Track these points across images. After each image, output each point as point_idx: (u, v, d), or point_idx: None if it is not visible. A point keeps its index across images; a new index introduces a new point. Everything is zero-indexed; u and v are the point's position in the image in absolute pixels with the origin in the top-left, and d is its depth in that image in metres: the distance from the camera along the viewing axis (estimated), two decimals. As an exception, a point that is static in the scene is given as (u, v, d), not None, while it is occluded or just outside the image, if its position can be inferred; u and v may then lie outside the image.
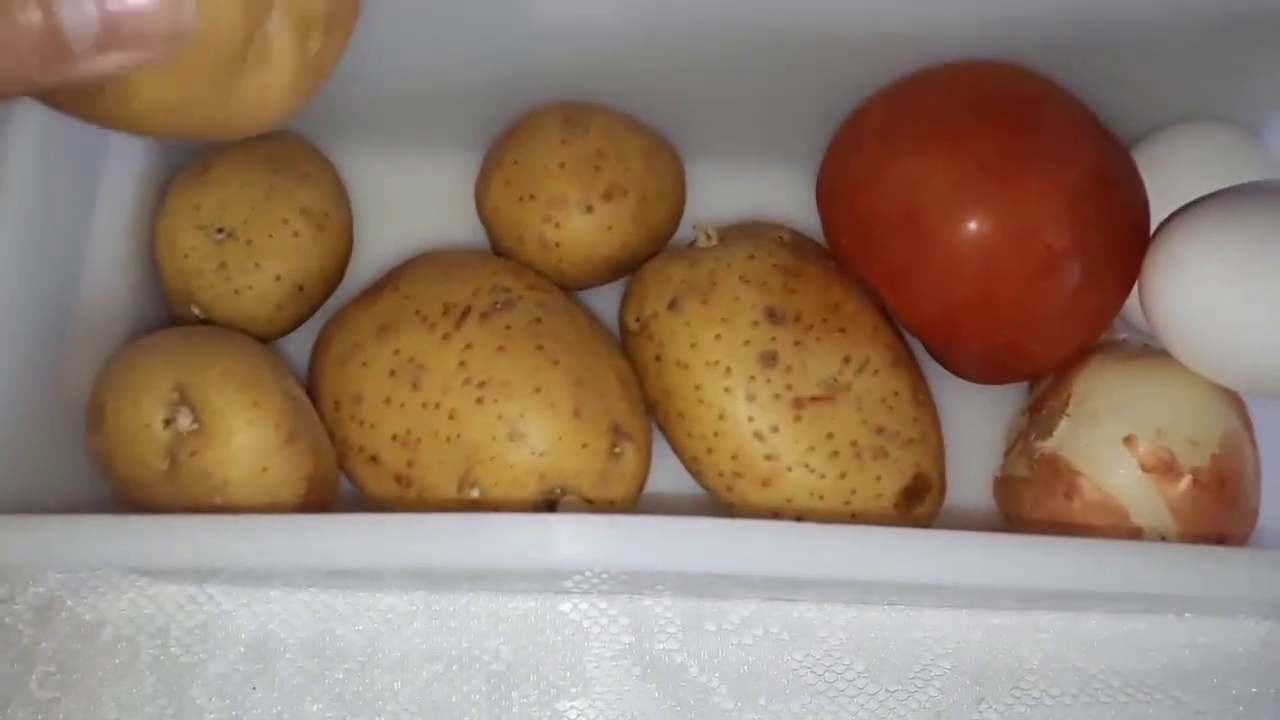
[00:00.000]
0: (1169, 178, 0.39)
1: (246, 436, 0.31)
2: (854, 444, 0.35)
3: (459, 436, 0.34)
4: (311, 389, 0.37)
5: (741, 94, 0.41)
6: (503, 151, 0.40)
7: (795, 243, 0.39)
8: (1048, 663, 0.39)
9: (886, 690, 0.39)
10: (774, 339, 0.35)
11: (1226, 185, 0.37)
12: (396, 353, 0.35)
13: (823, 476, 0.35)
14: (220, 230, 0.37)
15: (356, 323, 0.36)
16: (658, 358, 0.37)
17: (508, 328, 0.35)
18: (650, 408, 0.38)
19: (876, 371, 0.36)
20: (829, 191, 0.38)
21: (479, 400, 0.34)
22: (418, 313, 0.35)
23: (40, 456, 0.33)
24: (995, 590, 0.33)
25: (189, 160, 0.39)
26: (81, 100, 0.23)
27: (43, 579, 0.38)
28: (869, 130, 0.37)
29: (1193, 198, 0.37)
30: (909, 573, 0.30)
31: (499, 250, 0.40)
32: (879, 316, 0.37)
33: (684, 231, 0.42)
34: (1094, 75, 0.38)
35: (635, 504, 0.36)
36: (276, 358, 0.35)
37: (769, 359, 0.35)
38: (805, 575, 0.30)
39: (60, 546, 0.29)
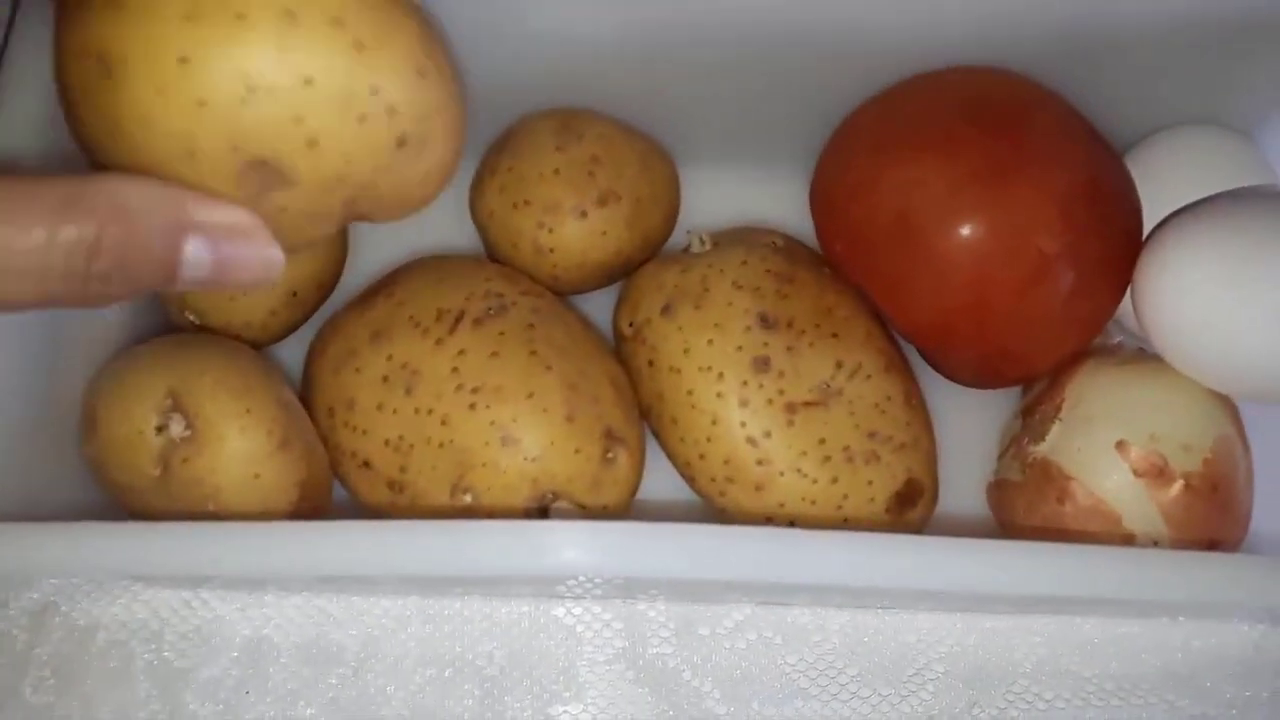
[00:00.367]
0: (1163, 182, 0.39)
1: (238, 443, 0.31)
2: (846, 449, 0.35)
3: (451, 442, 0.34)
4: (306, 395, 0.37)
5: (736, 99, 0.41)
6: (498, 158, 0.40)
7: (789, 248, 0.39)
8: (1041, 666, 0.39)
9: (880, 694, 0.39)
10: (766, 344, 0.35)
11: (1220, 189, 0.38)
12: (390, 359, 0.35)
13: (815, 481, 0.35)
14: (214, 236, 0.37)
15: (350, 329, 0.36)
16: (651, 363, 0.37)
17: (501, 333, 0.35)
18: (644, 413, 0.38)
19: (869, 376, 0.36)
20: (822, 198, 0.38)
21: (471, 406, 0.34)
22: (411, 319, 0.35)
23: (35, 464, 0.33)
24: (987, 596, 0.33)
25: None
26: None
27: (37, 584, 0.38)
28: (862, 137, 0.37)
29: (1186, 202, 0.37)
30: (898, 579, 0.30)
31: (494, 256, 0.41)
32: (872, 322, 0.37)
33: (679, 237, 0.42)
34: (1088, 80, 0.38)
35: (628, 509, 0.36)
36: (270, 364, 0.35)
37: (761, 364, 0.35)
38: (796, 581, 0.30)
39: (54, 554, 0.29)
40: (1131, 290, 0.36)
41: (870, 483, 0.35)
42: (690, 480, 0.37)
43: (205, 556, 0.29)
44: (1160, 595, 0.31)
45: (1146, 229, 0.37)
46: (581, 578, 0.32)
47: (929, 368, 0.40)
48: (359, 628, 0.38)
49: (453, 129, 0.26)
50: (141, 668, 0.37)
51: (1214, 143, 0.40)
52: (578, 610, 0.39)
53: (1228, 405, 0.36)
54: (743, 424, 0.35)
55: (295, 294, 0.38)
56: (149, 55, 0.22)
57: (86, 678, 0.37)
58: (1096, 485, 0.35)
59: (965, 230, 0.34)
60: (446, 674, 0.38)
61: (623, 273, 0.40)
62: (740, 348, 0.35)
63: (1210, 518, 0.35)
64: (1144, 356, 0.37)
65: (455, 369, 0.34)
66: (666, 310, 0.37)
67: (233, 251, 0.25)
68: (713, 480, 0.36)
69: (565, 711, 0.38)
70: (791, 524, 0.35)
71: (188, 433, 0.31)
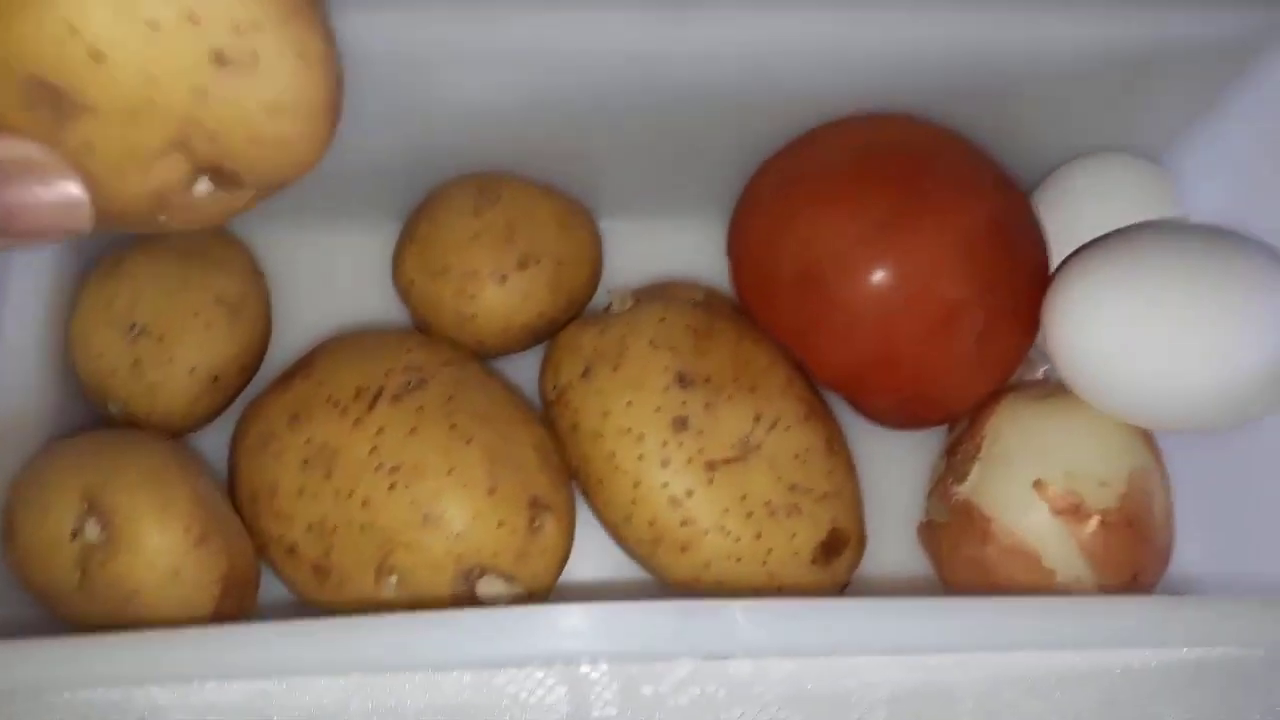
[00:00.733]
0: (1074, 213, 0.40)
1: (156, 542, 0.31)
2: (768, 503, 0.35)
3: (373, 524, 0.34)
4: (230, 482, 0.37)
5: (653, 155, 0.41)
6: (415, 225, 0.40)
7: (709, 301, 0.39)
8: (982, 703, 0.40)
9: (825, 740, 0.39)
10: (685, 403, 0.36)
11: (1130, 217, 0.38)
12: (309, 441, 0.35)
13: (738, 539, 0.35)
14: (133, 326, 0.37)
15: (270, 412, 0.36)
16: (574, 427, 0.37)
17: (420, 408, 0.35)
18: (573, 476, 0.38)
19: (788, 428, 0.36)
20: (735, 251, 0.39)
21: (391, 486, 0.34)
22: (329, 399, 0.35)
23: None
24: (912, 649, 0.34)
25: (101, 254, 0.39)
26: None
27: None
28: (767, 190, 0.38)
29: (1099, 231, 0.38)
30: (820, 643, 0.30)
31: (418, 323, 0.41)
32: (792, 370, 0.38)
33: (604, 292, 0.42)
34: (994, 117, 0.39)
35: (559, 575, 0.37)
36: (188, 455, 0.35)
37: (680, 424, 0.35)
38: (724, 651, 0.31)
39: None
40: (1041, 327, 0.36)
41: (794, 535, 0.36)
42: (620, 543, 0.37)
43: (136, 669, 0.29)
44: (1085, 643, 0.32)
45: (1060, 259, 0.37)
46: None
47: (853, 411, 0.40)
48: (300, 709, 0.38)
49: (296, 46, 0.23)
50: (84, 761, 0.37)
51: (1122, 171, 0.41)
52: (520, 677, 0.39)
53: (1144, 437, 0.37)
54: (665, 485, 0.35)
55: (217, 379, 0.38)
56: None
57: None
58: (1016, 525, 0.35)
59: (868, 281, 0.34)
60: (391, 749, 0.38)
61: (549, 333, 0.41)
62: (659, 408, 0.36)
63: (1129, 552, 0.35)
64: (1061, 391, 0.37)
65: (374, 448, 0.34)
66: (586, 373, 0.37)
67: (19, 192, 0.21)
68: (640, 543, 0.36)
69: (512, 779, 0.38)
70: (718, 584, 0.35)
71: (104, 535, 0.31)
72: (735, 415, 0.36)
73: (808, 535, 0.36)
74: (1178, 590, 0.39)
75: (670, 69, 0.37)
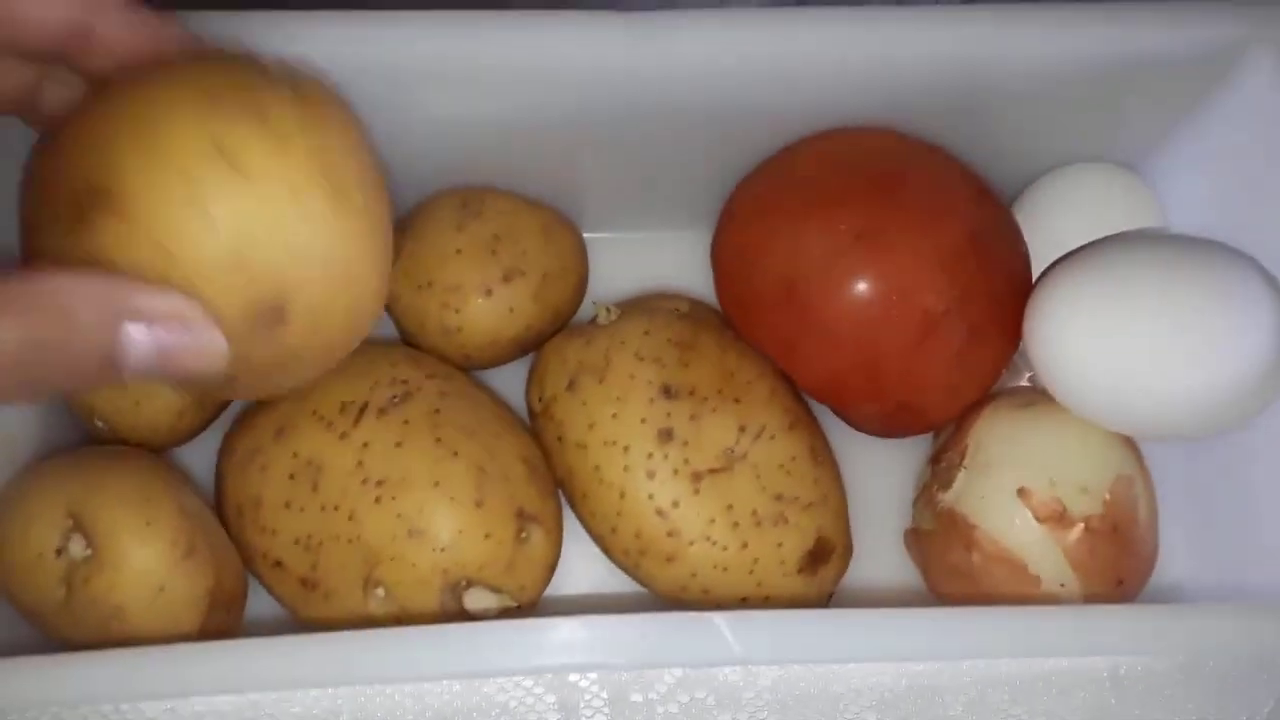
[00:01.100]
0: (1054, 223, 0.40)
1: (140, 558, 0.31)
2: (754, 513, 0.35)
3: (359, 538, 0.34)
4: (217, 496, 0.37)
5: (637, 167, 0.42)
6: (400, 240, 0.40)
7: (693, 313, 0.39)
8: (971, 707, 0.40)
9: (813, 747, 0.39)
10: (670, 414, 0.36)
11: (1110, 227, 0.38)
12: (295, 455, 0.35)
13: (725, 548, 0.35)
14: (118, 343, 0.37)
15: (257, 426, 0.36)
16: (560, 439, 0.37)
17: (405, 422, 0.35)
18: (560, 487, 0.38)
19: (773, 437, 0.36)
20: (718, 263, 0.39)
21: (377, 500, 0.34)
22: (315, 413, 0.36)
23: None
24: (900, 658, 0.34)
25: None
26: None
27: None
28: (749, 204, 0.38)
29: (1079, 241, 0.38)
30: (813, 654, 0.31)
31: (404, 337, 0.41)
32: (776, 380, 0.38)
33: (589, 305, 0.43)
34: (974, 129, 0.39)
35: (546, 585, 0.37)
36: (173, 470, 0.35)
37: (665, 435, 0.36)
38: (716, 662, 0.31)
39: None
40: (1023, 335, 0.37)
41: (780, 544, 0.36)
42: (606, 553, 0.37)
43: (120, 685, 0.29)
44: (1068, 652, 0.32)
45: (1041, 268, 0.38)
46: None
47: (838, 420, 0.40)
48: (290, 717, 0.38)
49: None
50: (73, 777, 0.37)
51: (1103, 181, 0.41)
52: (510, 686, 0.39)
53: (1127, 445, 0.37)
54: (650, 496, 0.35)
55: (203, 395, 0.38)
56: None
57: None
58: (1001, 533, 0.35)
59: (850, 294, 0.34)
60: (381, 760, 0.38)
61: (535, 345, 0.41)
62: (644, 420, 0.36)
63: (1114, 558, 0.35)
64: (1044, 398, 0.38)
65: (360, 462, 0.34)
66: (571, 386, 0.37)
67: (174, 339, 0.25)
68: (626, 553, 0.36)
69: (502, 789, 0.38)
70: (705, 593, 0.36)
71: (88, 552, 0.31)
72: (720, 426, 0.36)
73: (794, 544, 0.36)
74: (1162, 596, 0.39)
75: (653, 83, 0.37)
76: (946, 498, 0.37)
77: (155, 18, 0.29)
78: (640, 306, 0.39)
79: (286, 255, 0.27)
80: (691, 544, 0.35)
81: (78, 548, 0.31)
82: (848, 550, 0.38)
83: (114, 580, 0.31)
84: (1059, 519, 0.35)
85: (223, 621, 0.34)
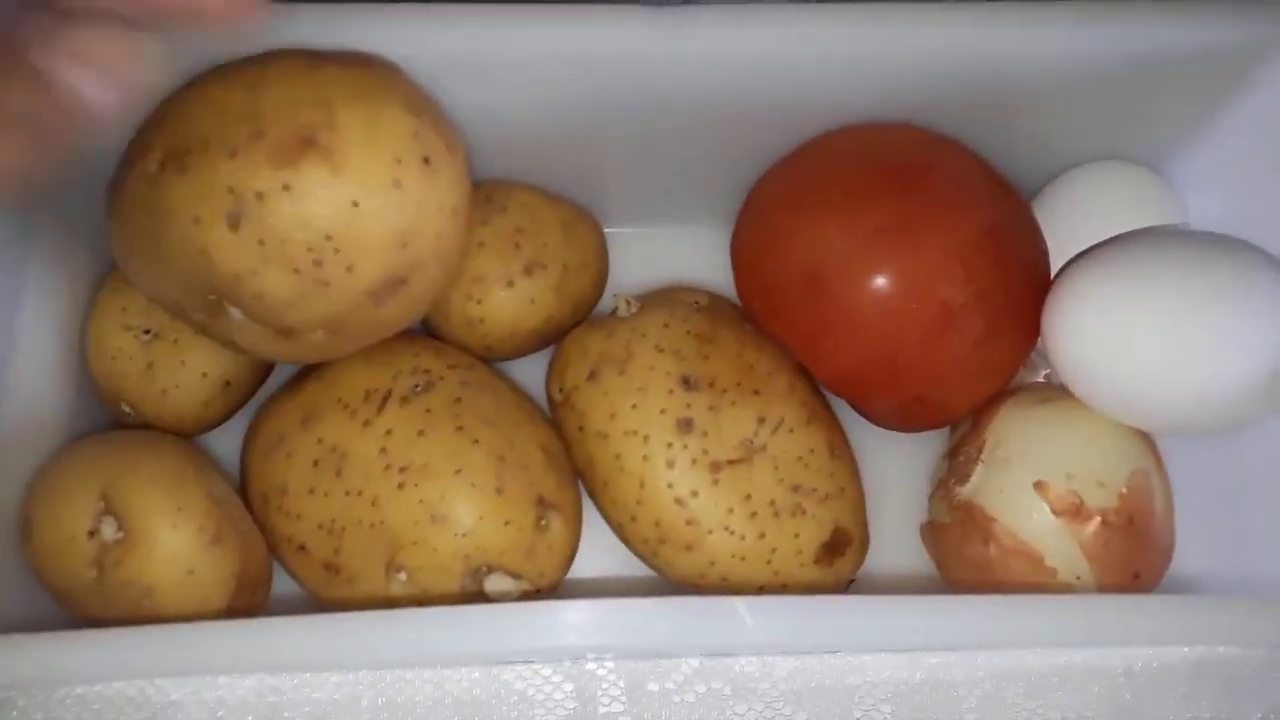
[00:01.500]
0: (1074, 220, 0.40)
1: (171, 541, 0.32)
2: (772, 503, 0.36)
3: (382, 523, 0.34)
4: (242, 482, 0.37)
5: (659, 161, 0.42)
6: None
7: (712, 306, 0.40)
8: (985, 700, 0.40)
9: (829, 738, 0.39)
10: (689, 405, 0.36)
11: (1129, 225, 0.39)
12: (319, 442, 0.36)
13: (743, 538, 0.36)
14: (147, 331, 0.38)
15: (281, 414, 0.37)
16: (581, 428, 0.37)
17: (428, 410, 0.36)
18: (580, 476, 0.38)
19: (791, 430, 0.37)
20: (738, 257, 0.39)
21: (400, 486, 0.34)
22: (339, 400, 0.36)
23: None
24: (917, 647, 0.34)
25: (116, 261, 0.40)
26: None
27: (-8, 687, 0.38)
28: (771, 198, 0.38)
29: (1098, 239, 0.38)
30: (827, 640, 0.31)
31: (427, 328, 0.41)
32: (794, 375, 0.38)
33: (609, 297, 0.43)
34: (994, 126, 0.39)
35: (565, 573, 0.37)
36: (202, 457, 0.36)
37: (685, 425, 0.36)
38: (736, 646, 0.31)
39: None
40: (1041, 332, 0.37)
41: (797, 535, 0.36)
42: (625, 542, 0.38)
43: (151, 661, 0.30)
44: (1087, 642, 0.32)
45: (1059, 269, 0.38)
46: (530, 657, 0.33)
47: (856, 414, 0.41)
48: (312, 705, 0.39)
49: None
50: (99, 758, 0.38)
51: (1122, 179, 0.41)
52: (528, 674, 0.40)
53: (1144, 440, 0.37)
54: (670, 485, 0.36)
55: (229, 383, 0.38)
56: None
57: (44, 772, 0.37)
58: (1018, 526, 0.36)
59: (870, 287, 0.35)
60: (401, 745, 0.39)
61: (556, 337, 0.41)
62: (664, 410, 0.36)
63: (1130, 551, 0.35)
64: (1062, 394, 0.38)
65: (383, 449, 0.35)
66: (592, 376, 0.37)
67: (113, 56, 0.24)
68: (645, 542, 0.37)
69: (519, 775, 0.38)
70: (723, 581, 0.36)
71: (120, 535, 0.32)
72: (739, 418, 0.36)
73: (811, 535, 0.36)
74: (1178, 591, 0.39)
75: (675, 78, 0.37)
76: (964, 491, 0.37)
77: None
78: (660, 299, 0.40)
79: (434, 240, 0.33)
80: (710, 533, 0.35)
81: (110, 530, 0.32)
82: (864, 542, 0.38)
83: (145, 562, 0.32)
84: (1075, 512, 0.35)
85: (249, 605, 0.34)
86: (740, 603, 0.30)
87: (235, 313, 0.33)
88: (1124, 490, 0.35)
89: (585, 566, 0.39)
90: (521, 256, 0.40)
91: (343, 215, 0.31)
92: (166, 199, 0.31)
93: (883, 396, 0.37)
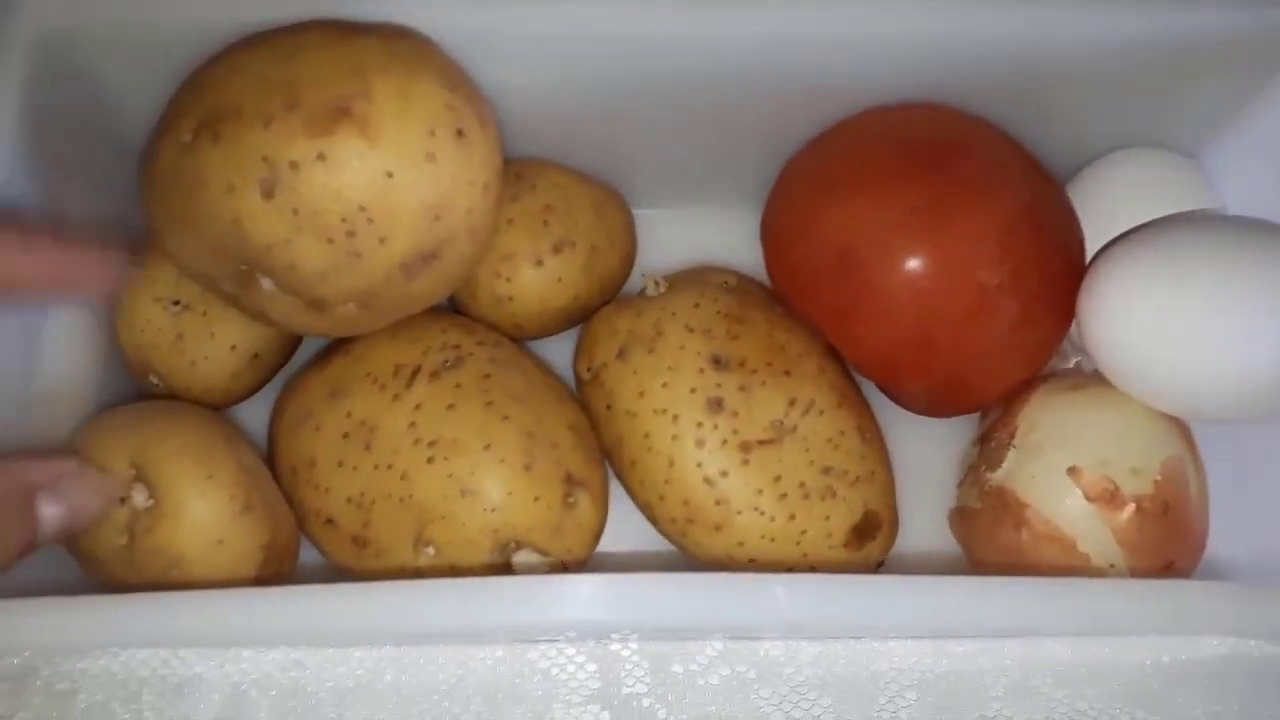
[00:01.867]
0: (1109, 206, 0.40)
1: (200, 510, 0.32)
2: (802, 485, 0.36)
3: (411, 497, 0.34)
4: (270, 455, 0.37)
5: (687, 143, 0.42)
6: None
7: (742, 287, 0.39)
8: (1012, 689, 0.40)
9: (853, 723, 0.39)
10: (719, 385, 0.36)
11: (1165, 213, 0.38)
12: (348, 415, 0.35)
13: (772, 519, 0.35)
14: (176, 302, 0.38)
15: (310, 388, 0.37)
16: (609, 406, 0.37)
17: (457, 385, 0.35)
18: (607, 455, 0.38)
19: (822, 412, 0.37)
20: (770, 238, 0.39)
21: (429, 460, 0.34)
22: (369, 375, 0.36)
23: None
24: (948, 630, 0.34)
25: (146, 233, 0.39)
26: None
27: (18, 650, 0.38)
28: (804, 178, 0.38)
29: (1133, 225, 0.38)
30: (858, 618, 0.30)
31: (456, 306, 0.41)
32: (825, 358, 0.38)
33: (636, 279, 0.43)
34: (1030, 110, 0.39)
35: (592, 551, 0.37)
36: (232, 427, 0.36)
37: (715, 405, 0.36)
38: (762, 623, 0.31)
39: (27, 630, 0.30)
40: (1076, 316, 0.36)
41: (827, 517, 0.36)
42: (653, 522, 0.38)
43: (176, 627, 0.29)
44: (1119, 626, 0.32)
45: (1094, 251, 0.37)
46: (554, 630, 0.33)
47: (886, 399, 0.40)
48: (335, 679, 0.39)
49: None
50: (123, 729, 0.38)
51: (1159, 166, 0.41)
52: (552, 653, 0.40)
53: (1178, 427, 0.37)
54: (699, 464, 0.35)
55: (257, 355, 0.38)
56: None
57: (68, 741, 0.37)
58: (1051, 511, 0.35)
59: (906, 266, 0.34)
60: (423, 721, 0.39)
61: (582, 316, 0.41)
62: (694, 389, 0.36)
63: (1164, 539, 0.35)
64: (1095, 380, 0.37)
65: (412, 423, 0.35)
66: (622, 355, 0.37)
67: (76, 496, 0.30)
68: (673, 521, 0.36)
69: (542, 755, 0.38)
70: (751, 562, 0.36)
71: (150, 502, 0.32)
72: (769, 398, 0.36)
73: (841, 518, 0.36)
74: (1212, 579, 0.39)
75: (706, 56, 0.37)
76: (995, 477, 0.37)
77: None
78: (689, 279, 0.39)
79: (465, 215, 0.33)
80: (739, 513, 0.35)
81: (140, 497, 0.32)
82: (894, 526, 0.38)
83: (174, 531, 0.32)
84: (1110, 498, 0.35)
85: (276, 576, 0.34)
86: (772, 579, 0.30)
87: (267, 283, 0.33)
88: (1159, 477, 0.35)
89: (612, 546, 0.39)
90: (550, 235, 0.40)
91: (376, 186, 0.31)
92: (200, 168, 0.31)
93: (915, 379, 0.37)
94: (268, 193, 0.30)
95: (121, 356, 0.39)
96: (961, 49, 0.37)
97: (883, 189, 0.35)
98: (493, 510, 0.34)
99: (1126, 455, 0.35)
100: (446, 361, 0.36)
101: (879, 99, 0.39)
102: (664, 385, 0.36)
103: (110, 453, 0.32)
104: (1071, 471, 0.35)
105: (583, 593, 0.30)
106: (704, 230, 0.45)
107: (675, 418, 0.36)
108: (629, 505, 0.38)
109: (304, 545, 0.37)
